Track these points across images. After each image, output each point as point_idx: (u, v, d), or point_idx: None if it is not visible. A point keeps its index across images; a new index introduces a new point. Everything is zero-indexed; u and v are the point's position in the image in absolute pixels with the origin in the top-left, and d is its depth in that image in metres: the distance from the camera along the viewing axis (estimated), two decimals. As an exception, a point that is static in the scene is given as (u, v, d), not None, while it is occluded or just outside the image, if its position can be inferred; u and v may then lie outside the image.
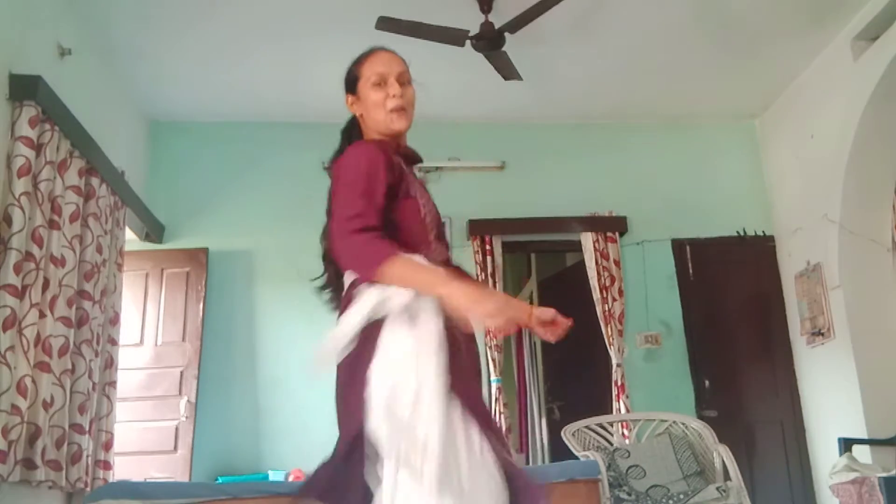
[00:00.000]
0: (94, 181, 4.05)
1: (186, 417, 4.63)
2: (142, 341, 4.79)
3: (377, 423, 1.51)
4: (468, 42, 4.04)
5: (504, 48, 4.12)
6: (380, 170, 1.70)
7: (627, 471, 4.04)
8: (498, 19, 4.04)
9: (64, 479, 3.50)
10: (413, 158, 1.93)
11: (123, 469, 4.28)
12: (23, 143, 3.38)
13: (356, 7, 4.16)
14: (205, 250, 5.03)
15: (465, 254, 5.15)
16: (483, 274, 5.18)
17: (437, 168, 5.35)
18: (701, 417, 4.80)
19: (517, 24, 3.94)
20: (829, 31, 4.72)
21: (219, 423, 4.77)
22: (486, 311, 1.52)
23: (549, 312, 1.81)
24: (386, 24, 3.85)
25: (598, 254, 5.26)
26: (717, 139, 5.78)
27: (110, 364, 4.17)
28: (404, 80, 1.88)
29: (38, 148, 3.47)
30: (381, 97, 1.84)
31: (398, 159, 1.81)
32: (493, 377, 4.98)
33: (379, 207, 1.66)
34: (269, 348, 4.99)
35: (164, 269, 4.96)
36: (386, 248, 1.61)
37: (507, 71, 4.29)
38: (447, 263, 1.81)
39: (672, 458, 4.12)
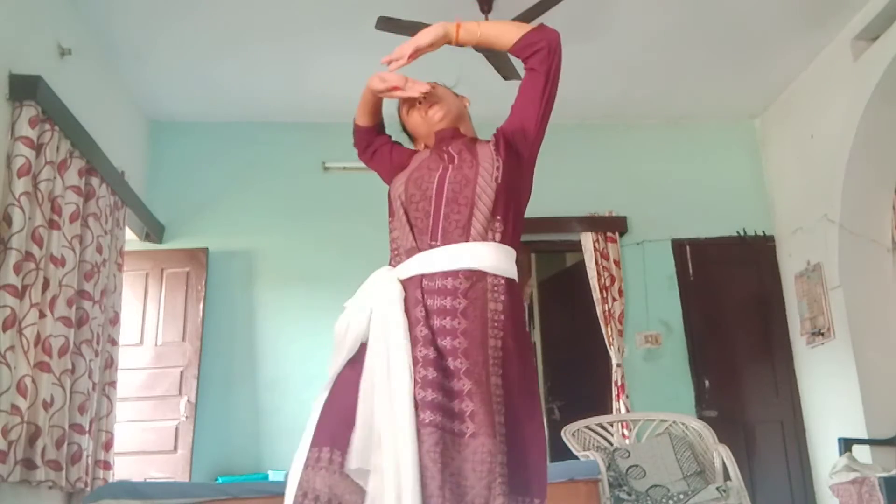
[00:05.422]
0: (94, 181, 4.05)
1: (186, 417, 4.63)
2: (142, 341, 4.79)
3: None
4: (468, 42, 4.03)
5: (504, 48, 4.12)
6: None
7: (627, 471, 4.04)
8: (498, 19, 4.04)
9: (64, 479, 3.50)
10: (454, 135, 1.91)
11: (123, 469, 4.29)
12: (23, 143, 3.38)
13: (356, 7, 4.16)
14: (205, 250, 5.03)
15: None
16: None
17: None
18: (701, 417, 4.80)
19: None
20: (829, 31, 4.72)
21: (219, 423, 4.77)
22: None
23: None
24: (386, 24, 3.85)
25: (598, 254, 5.26)
26: (717, 139, 5.77)
27: (110, 364, 4.17)
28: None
29: (38, 148, 3.47)
30: (417, 113, 1.86)
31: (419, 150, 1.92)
32: (493, 377, 4.98)
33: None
34: (269, 348, 4.99)
35: (164, 269, 4.96)
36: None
37: (507, 71, 4.29)
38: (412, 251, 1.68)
39: (672, 458, 4.12)
